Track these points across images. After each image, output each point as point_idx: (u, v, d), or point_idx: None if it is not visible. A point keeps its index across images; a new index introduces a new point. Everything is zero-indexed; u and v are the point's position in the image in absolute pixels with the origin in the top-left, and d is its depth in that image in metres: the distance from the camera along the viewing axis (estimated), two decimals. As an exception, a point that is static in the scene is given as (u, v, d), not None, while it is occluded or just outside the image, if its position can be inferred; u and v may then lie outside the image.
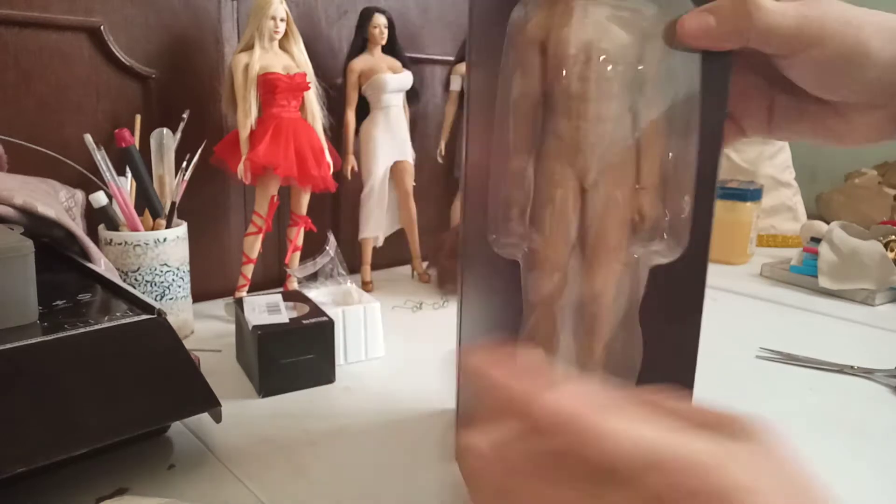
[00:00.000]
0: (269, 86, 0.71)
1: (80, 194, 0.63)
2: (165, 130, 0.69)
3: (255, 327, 0.54)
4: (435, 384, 0.58)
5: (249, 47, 0.72)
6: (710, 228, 0.34)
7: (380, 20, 0.83)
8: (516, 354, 0.28)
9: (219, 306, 0.76)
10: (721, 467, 0.19)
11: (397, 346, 0.66)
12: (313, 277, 0.67)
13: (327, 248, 0.67)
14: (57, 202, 0.56)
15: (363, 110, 0.87)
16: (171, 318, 0.45)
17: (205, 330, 0.70)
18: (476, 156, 0.37)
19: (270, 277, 0.87)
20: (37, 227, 0.51)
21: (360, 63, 0.84)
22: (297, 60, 0.75)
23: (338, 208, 0.93)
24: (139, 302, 0.45)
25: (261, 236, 0.76)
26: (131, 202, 0.65)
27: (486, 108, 0.36)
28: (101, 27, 0.69)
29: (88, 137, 0.62)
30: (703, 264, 0.34)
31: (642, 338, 0.36)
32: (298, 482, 0.42)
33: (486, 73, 0.35)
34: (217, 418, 0.43)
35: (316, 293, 0.65)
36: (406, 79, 0.86)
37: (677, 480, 0.19)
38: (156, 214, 0.66)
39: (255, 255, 0.76)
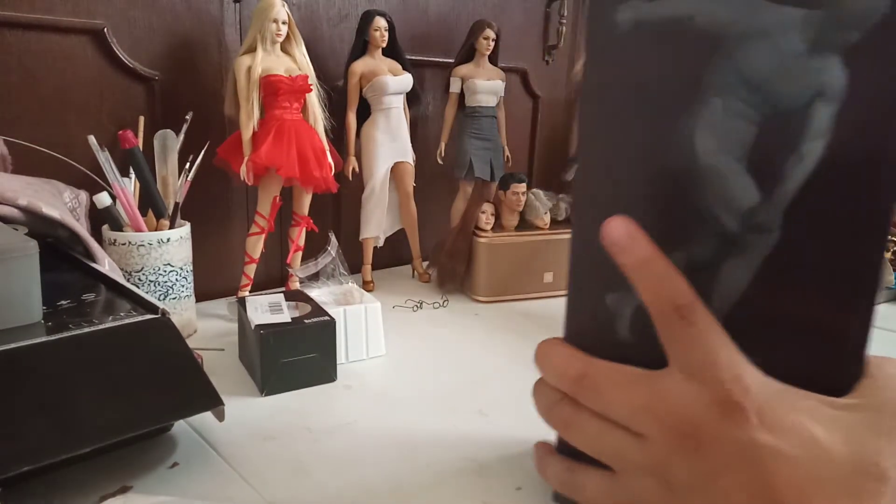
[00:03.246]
0: (271, 88, 0.72)
1: (84, 195, 0.63)
2: (169, 132, 0.69)
3: (258, 326, 0.55)
4: (435, 382, 0.59)
5: (252, 50, 0.72)
6: None
7: (380, 23, 0.83)
8: None
9: (221, 306, 0.77)
10: None
11: (398, 345, 0.67)
12: (315, 277, 0.68)
13: (329, 248, 0.68)
14: (61, 203, 0.57)
15: (364, 112, 0.87)
16: (174, 318, 0.45)
17: (208, 329, 0.71)
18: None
19: (272, 277, 0.87)
20: (41, 227, 0.52)
21: (360, 65, 0.85)
22: (299, 63, 0.75)
23: (339, 209, 0.94)
24: (143, 301, 0.46)
25: (263, 236, 0.77)
26: (135, 203, 0.66)
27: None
28: (105, 29, 0.69)
29: (92, 139, 0.62)
30: None
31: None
32: (300, 479, 0.43)
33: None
34: (220, 417, 0.44)
35: (317, 293, 0.65)
36: (406, 81, 0.86)
37: None
38: (159, 215, 0.67)
39: (257, 254, 0.77)
